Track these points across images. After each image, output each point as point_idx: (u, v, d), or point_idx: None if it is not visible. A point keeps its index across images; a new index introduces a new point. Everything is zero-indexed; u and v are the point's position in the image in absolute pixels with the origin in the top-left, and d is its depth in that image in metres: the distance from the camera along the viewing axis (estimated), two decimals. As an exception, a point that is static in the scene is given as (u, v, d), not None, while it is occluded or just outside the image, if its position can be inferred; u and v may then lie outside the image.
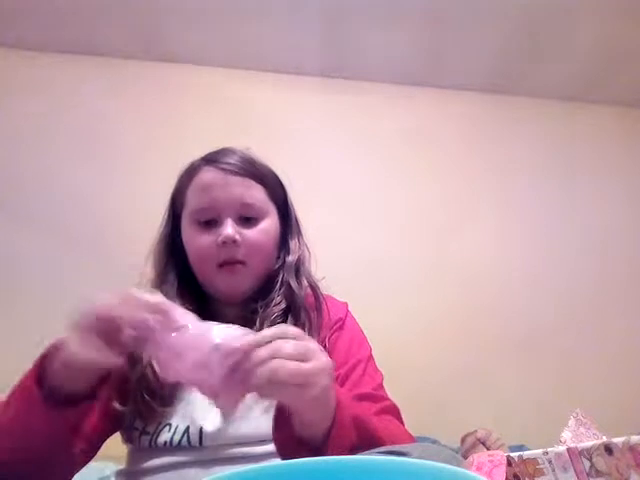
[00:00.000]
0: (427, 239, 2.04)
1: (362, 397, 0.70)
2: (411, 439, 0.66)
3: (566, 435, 0.50)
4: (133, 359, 0.68)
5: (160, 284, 0.79)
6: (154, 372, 0.68)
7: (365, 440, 0.54)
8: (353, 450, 0.53)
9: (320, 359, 0.50)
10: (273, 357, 0.47)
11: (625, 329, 2.04)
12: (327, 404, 0.52)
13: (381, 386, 0.75)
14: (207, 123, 1.93)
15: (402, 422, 0.72)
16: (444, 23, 1.89)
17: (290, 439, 0.53)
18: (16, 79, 1.95)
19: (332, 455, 0.49)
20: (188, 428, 0.67)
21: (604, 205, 2.17)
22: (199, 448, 0.66)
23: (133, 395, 0.68)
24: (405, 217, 2.06)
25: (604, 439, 0.39)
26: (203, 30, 1.93)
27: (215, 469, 0.64)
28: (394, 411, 0.71)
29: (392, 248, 2.00)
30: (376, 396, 0.71)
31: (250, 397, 0.69)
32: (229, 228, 0.74)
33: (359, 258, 1.95)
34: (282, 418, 0.54)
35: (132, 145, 1.95)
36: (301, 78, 2.11)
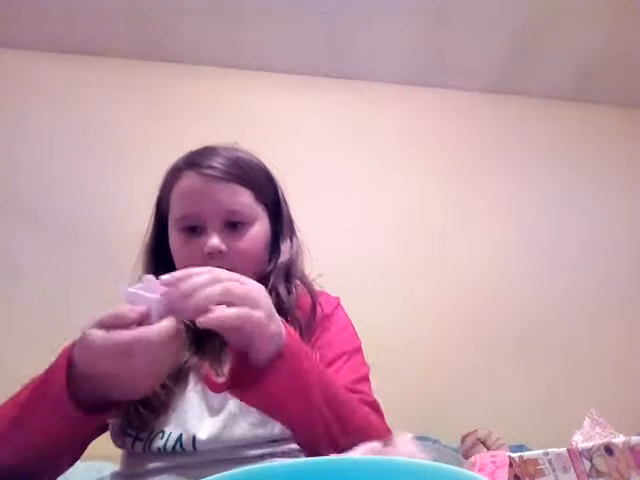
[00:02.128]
0: (426, 239, 2.04)
1: None
2: (381, 431, 0.64)
3: (577, 439, 0.50)
4: None
5: None
6: None
7: (329, 399, 0.57)
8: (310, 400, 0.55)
9: (254, 284, 0.54)
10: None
11: (625, 328, 2.04)
12: (271, 332, 0.53)
13: (362, 380, 0.74)
14: (207, 123, 1.93)
15: (379, 414, 0.71)
16: (444, 23, 1.89)
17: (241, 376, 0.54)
18: (17, 79, 1.95)
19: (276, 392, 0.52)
20: (181, 436, 0.66)
21: (603, 205, 2.17)
22: (193, 453, 0.65)
23: (125, 405, 0.66)
24: (404, 217, 2.06)
25: (622, 437, 0.39)
26: (203, 30, 1.93)
27: (211, 472, 0.64)
28: (372, 405, 0.70)
29: (391, 248, 2.00)
30: (353, 390, 0.70)
31: (239, 404, 0.69)
32: (214, 239, 0.71)
33: (358, 258, 1.95)
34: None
35: (134, 145, 1.95)
36: (301, 78, 2.11)
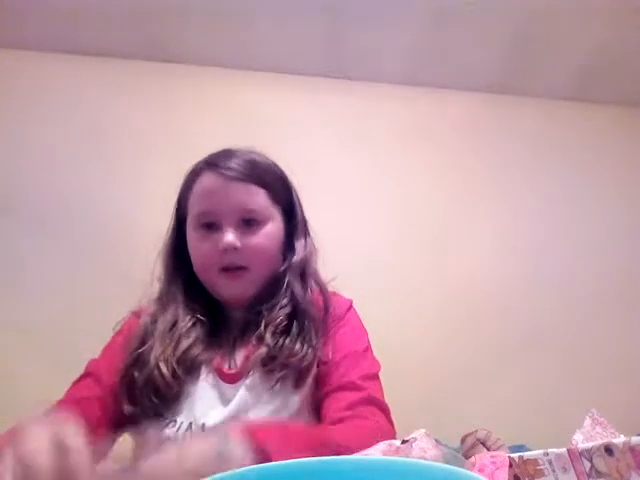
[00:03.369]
0: (426, 239, 2.04)
1: (344, 386, 0.72)
2: (379, 435, 0.61)
3: (578, 438, 0.50)
4: (140, 362, 0.70)
5: (168, 286, 0.81)
6: (161, 374, 0.69)
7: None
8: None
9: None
10: None
11: (625, 327, 2.04)
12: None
13: (371, 377, 0.75)
14: (208, 123, 1.93)
15: (386, 414, 0.72)
16: (444, 23, 1.89)
17: None
18: (17, 79, 1.95)
19: None
20: (190, 425, 0.68)
21: (603, 204, 2.17)
22: None
23: (140, 397, 0.69)
24: (404, 217, 2.06)
25: (622, 437, 0.39)
26: (204, 31, 1.92)
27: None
28: (376, 402, 0.72)
29: (390, 248, 2.00)
30: (359, 386, 0.72)
31: (250, 394, 0.69)
32: (229, 235, 0.75)
33: (357, 258, 1.95)
34: None
35: (135, 146, 1.95)
36: (301, 78, 2.11)
